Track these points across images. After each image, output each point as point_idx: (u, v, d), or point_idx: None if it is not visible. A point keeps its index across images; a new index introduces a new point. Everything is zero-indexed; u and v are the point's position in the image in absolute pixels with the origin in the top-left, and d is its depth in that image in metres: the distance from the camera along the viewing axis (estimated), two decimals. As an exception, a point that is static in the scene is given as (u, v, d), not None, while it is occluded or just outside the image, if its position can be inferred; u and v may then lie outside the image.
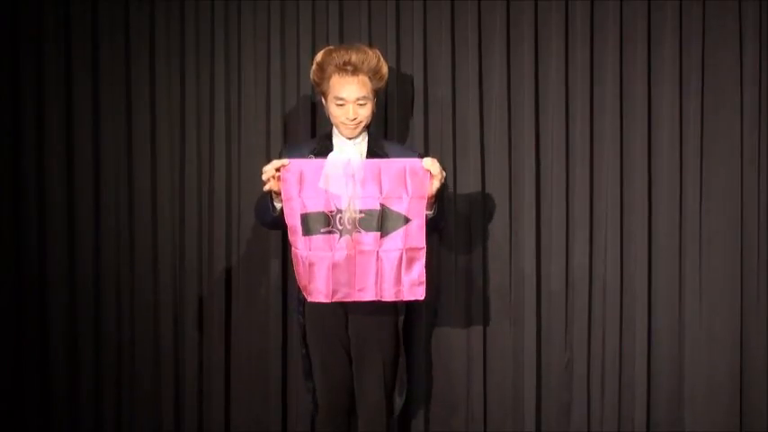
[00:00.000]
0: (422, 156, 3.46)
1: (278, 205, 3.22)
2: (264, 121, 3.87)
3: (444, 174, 3.17)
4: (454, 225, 3.86)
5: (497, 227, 3.87)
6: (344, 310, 3.37)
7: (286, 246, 3.71)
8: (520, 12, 3.83)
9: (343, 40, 3.81)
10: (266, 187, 3.17)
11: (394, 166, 3.14)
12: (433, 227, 3.29)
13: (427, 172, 3.12)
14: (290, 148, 3.47)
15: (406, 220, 3.13)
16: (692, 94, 3.82)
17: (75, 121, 3.88)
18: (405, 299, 3.19)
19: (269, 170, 3.14)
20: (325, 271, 3.15)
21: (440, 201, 3.23)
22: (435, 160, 3.15)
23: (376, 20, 3.85)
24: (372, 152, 3.35)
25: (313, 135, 3.79)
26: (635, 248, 3.85)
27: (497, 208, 3.86)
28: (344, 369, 3.42)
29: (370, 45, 3.82)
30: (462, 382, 3.90)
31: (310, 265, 3.14)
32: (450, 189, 3.85)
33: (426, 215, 3.17)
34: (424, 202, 3.13)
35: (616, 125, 3.83)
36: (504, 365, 3.89)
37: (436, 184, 3.14)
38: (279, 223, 3.25)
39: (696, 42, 3.81)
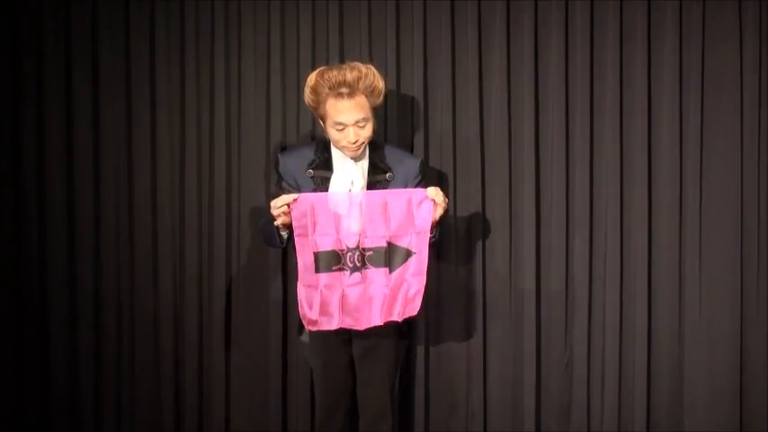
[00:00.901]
0: (423, 161, 3.50)
1: (284, 234, 3.26)
2: (264, 120, 3.87)
3: (447, 201, 3.22)
4: (454, 225, 3.86)
5: (497, 226, 3.87)
6: None
7: (286, 246, 3.71)
8: (520, 11, 3.83)
9: (343, 40, 3.81)
10: (277, 222, 3.19)
11: (399, 198, 3.20)
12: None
13: (431, 201, 3.17)
14: (288, 154, 3.43)
15: (410, 254, 3.20)
16: (692, 93, 3.82)
17: (75, 121, 3.88)
18: (399, 318, 3.22)
19: (280, 207, 3.15)
20: (336, 304, 3.21)
21: (440, 225, 3.29)
22: (438, 189, 3.20)
23: (376, 19, 3.85)
24: (374, 164, 3.34)
25: (313, 135, 3.79)
26: (635, 248, 3.85)
27: (497, 207, 3.86)
28: (346, 370, 3.41)
29: (370, 45, 3.83)
30: (462, 382, 3.90)
31: (320, 297, 3.21)
32: (450, 189, 3.85)
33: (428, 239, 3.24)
34: (428, 236, 3.19)
35: (616, 124, 3.83)
36: (503, 365, 3.88)
37: (440, 212, 3.20)
38: (284, 248, 3.29)
39: (696, 40, 3.81)
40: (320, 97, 3.22)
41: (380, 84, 3.26)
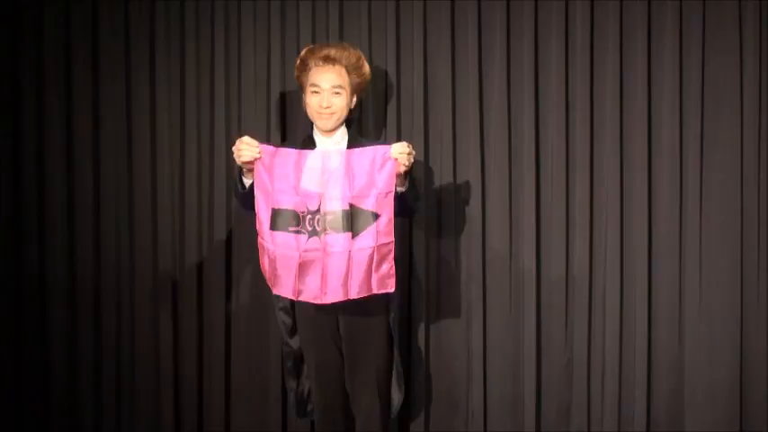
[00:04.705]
0: None
1: (247, 182, 3.24)
2: (264, 119, 3.87)
3: (413, 154, 3.16)
4: (454, 226, 3.87)
5: (497, 227, 3.87)
6: (335, 311, 3.36)
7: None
8: (520, 12, 3.83)
9: (343, 40, 3.81)
10: (239, 160, 3.18)
11: (361, 156, 3.15)
12: (407, 207, 3.29)
13: (394, 161, 3.12)
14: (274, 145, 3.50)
15: (376, 216, 3.13)
16: (692, 93, 3.82)
17: (75, 121, 3.88)
18: (374, 292, 3.18)
19: (242, 149, 3.15)
20: (294, 270, 3.14)
21: (410, 176, 3.24)
22: (405, 144, 3.16)
23: (376, 20, 3.85)
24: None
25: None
26: (635, 248, 3.85)
27: (497, 207, 3.86)
28: (339, 369, 3.43)
29: (370, 45, 3.84)
30: (462, 382, 3.90)
31: (274, 259, 3.14)
32: (450, 189, 3.86)
33: (398, 191, 3.18)
34: (392, 195, 3.14)
35: (616, 124, 3.83)
36: (504, 365, 3.88)
37: (402, 169, 3.15)
38: (249, 202, 3.25)
39: (696, 41, 3.81)
40: (306, 67, 3.38)
41: (365, 68, 3.42)
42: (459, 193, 3.87)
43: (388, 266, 3.16)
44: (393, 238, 3.15)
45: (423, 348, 3.87)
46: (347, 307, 3.30)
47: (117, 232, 3.90)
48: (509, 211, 3.87)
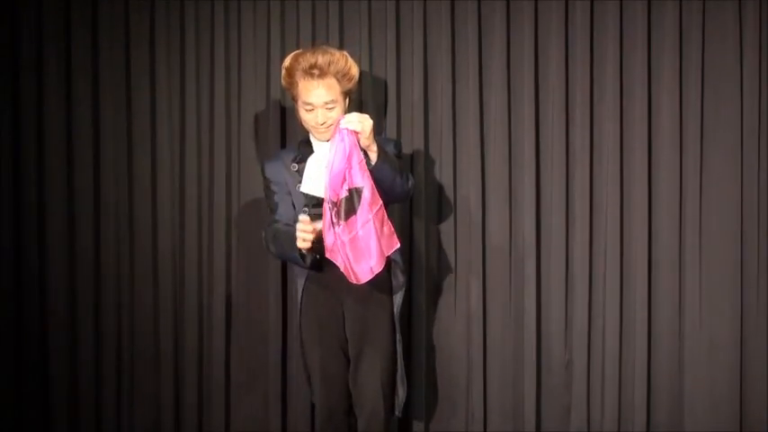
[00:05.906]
0: (399, 146, 3.50)
1: (308, 259, 3.25)
2: (264, 120, 3.87)
3: (366, 123, 3.12)
4: (454, 225, 3.86)
5: (497, 227, 3.87)
6: (342, 310, 3.37)
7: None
8: (520, 12, 3.83)
9: (344, 41, 3.82)
10: (303, 245, 3.18)
11: (332, 147, 3.15)
12: (391, 181, 3.23)
13: (345, 131, 3.11)
14: (271, 159, 3.51)
15: (360, 190, 3.14)
16: (692, 92, 3.82)
17: (75, 121, 3.88)
18: (387, 254, 3.19)
19: (306, 233, 3.15)
20: (342, 250, 3.17)
21: (382, 151, 3.20)
22: (352, 115, 3.13)
23: (376, 20, 3.85)
24: None
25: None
26: (635, 249, 3.84)
27: (497, 208, 3.86)
28: (343, 371, 3.41)
29: (370, 45, 3.84)
30: (462, 382, 3.90)
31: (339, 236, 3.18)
32: (450, 191, 3.86)
33: (372, 164, 3.17)
34: (364, 163, 3.13)
35: (616, 123, 3.83)
36: (504, 365, 3.88)
37: (363, 141, 3.12)
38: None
39: (696, 40, 3.81)
40: (293, 78, 3.32)
41: (353, 69, 3.34)
42: (459, 193, 3.87)
43: (388, 227, 3.20)
44: (381, 201, 3.16)
45: (423, 348, 3.87)
46: (353, 304, 3.32)
47: (117, 232, 3.90)
48: (509, 210, 3.86)
